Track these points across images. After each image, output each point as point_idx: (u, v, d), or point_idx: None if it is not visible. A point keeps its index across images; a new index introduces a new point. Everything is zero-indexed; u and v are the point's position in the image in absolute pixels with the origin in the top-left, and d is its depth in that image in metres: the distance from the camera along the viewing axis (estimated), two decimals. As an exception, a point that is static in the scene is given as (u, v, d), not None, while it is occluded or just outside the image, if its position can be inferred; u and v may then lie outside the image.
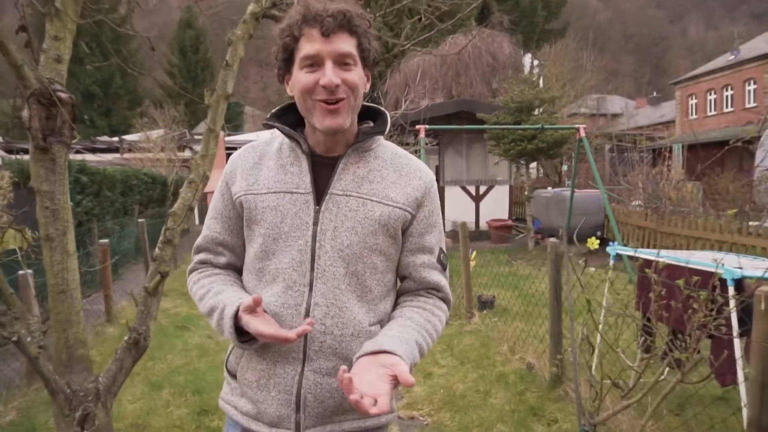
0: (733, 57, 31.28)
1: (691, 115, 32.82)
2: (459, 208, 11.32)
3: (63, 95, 1.71)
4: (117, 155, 21.48)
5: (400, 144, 8.57)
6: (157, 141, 15.86)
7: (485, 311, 5.61)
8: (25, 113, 1.69)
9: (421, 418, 3.36)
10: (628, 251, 3.50)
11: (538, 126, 8.29)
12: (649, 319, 3.15)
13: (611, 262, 3.53)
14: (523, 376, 3.80)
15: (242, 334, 1.12)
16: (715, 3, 79.89)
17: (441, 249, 1.28)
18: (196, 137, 24.76)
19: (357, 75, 1.13)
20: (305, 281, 1.15)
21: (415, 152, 8.62)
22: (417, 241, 1.24)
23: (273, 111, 1.25)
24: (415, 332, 1.16)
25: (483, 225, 11.67)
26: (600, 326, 3.49)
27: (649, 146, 14.05)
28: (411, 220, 1.22)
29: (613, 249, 3.54)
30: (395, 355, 1.05)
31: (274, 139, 1.27)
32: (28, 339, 1.67)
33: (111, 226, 8.66)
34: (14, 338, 1.63)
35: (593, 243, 3.38)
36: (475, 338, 4.78)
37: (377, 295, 1.20)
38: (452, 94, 15.98)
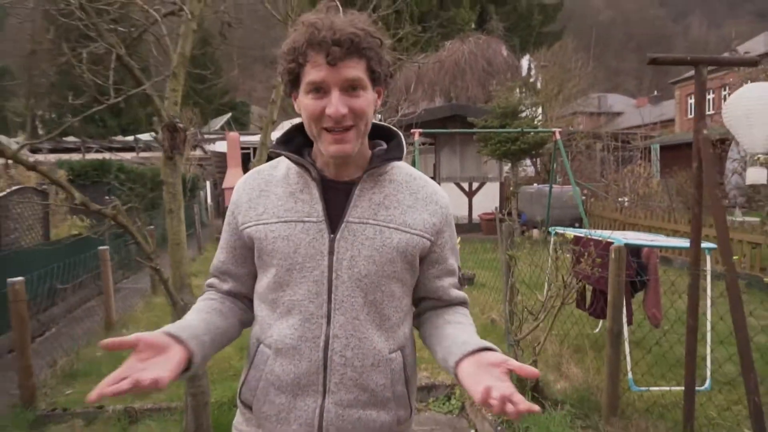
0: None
1: (690, 114, 33.74)
2: (453, 203, 12.18)
3: (180, 125, 2.85)
4: (134, 154, 22.64)
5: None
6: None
7: (466, 286, 6.73)
8: (159, 136, 2.83)
9: (406, 355, 4.49)
10: (562, 230, 4.62)
11: (519, 129, 9.42)
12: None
13: (552, 237, 4.66)
14: (486, 327, 4.93)
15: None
16: (718, 1, 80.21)
17: (459, 267, 1.30)
18: (206, 137, 25.82)
19: (365, 100, 1.08)
20: (322, 313, 1.11)
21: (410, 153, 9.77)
22: (443, 267, 1.23)
23: (278, 137, 1.22)
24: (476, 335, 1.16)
25: (476, 218, 12.79)
26: (547, 286, 4.60)
27: (629, 146, 15.11)
28: (431, 246, 1.19)
29: (552, 229, 4.66)
30: (493, 350, 1.03)
31: (279, 163, 1.23)
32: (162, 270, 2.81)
33: (144, 218, 9.84)
34: (157, 267, 2.77)
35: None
36: (455, 304, 5.91)
37: (395, 322, 1.17)
38: (451, 96, 17.07)
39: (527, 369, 0.94)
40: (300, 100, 1.10)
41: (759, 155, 2.67)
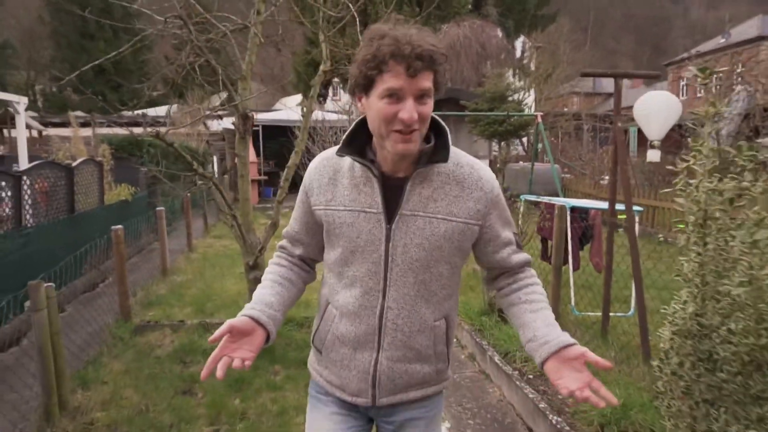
0: (723, 40, 32.96)
1: (682, 96, 34.60)
2: (447, 178, 13.54)
3: (249, 114, 3.99)
4: (141, 129, 23.42)
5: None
6: (184, 117, 17.92)
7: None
8: (234, 121, 3.97)
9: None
10: (529, 197, 5.82)
11: (505, 114, 10.56)
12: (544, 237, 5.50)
13: (522, 204, 5.86)
14: (469, 274, 6.15)
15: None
16: (718, -18, 79.89)
17: (515, 234, 1.43)
18: (207, 113, 26.44)
19: (429, 107, 1.22)
20: (379, 288, 1.32)
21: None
22: (497, 242, 1.38)
23: (344, 138, 1.34)
24: (549, 311, 1.37)
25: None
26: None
27: (608, 128, 16.25)
28: (480, 230, 1.34)
29: (523, 196, 5.86)
30: (572, 344, 1.25)
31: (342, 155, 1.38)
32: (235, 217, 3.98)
33: (168, 189, 10.96)
34: (235, 214, 3.93)
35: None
36: (445, 260, 7.15)
37: (442, 297, 1.36)
38: (446, 78, 18.06)
39: (602, 362, 1.16)
40: (371, 103, 1.23)
41: (654, 141, 3.78)
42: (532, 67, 21.28)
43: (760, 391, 1.56)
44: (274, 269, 1.51)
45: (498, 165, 12.47)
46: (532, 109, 15.28)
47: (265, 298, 1.40)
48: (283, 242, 1.55)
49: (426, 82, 1.19)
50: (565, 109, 22.26)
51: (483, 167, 1.39)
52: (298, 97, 22.12)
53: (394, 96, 1.19)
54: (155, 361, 4.00)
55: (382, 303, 1.33)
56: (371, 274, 1.32)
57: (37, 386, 3.45)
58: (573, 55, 24.85)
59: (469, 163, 1.37)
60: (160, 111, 24.50)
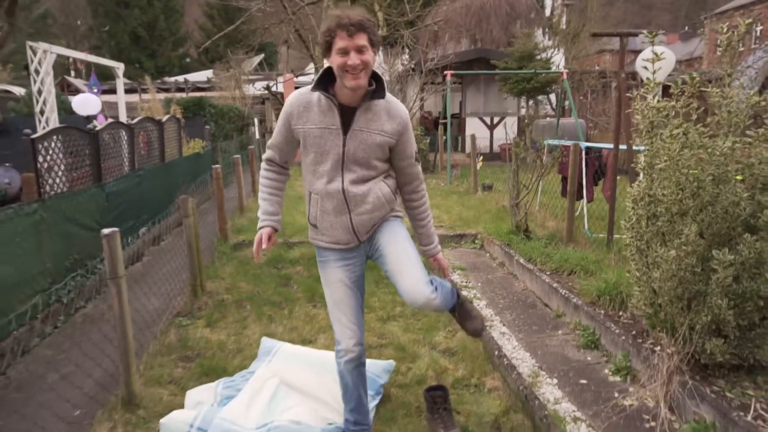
0: (766, -9, 31.99)
1: (720, 50, 33.88)
2: (477, 134, 14.46)
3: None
4: (183, 94, 24.67)
5: (432, 84, 11.50)
6: (230, 81, 18.97)
7: (485, 192, 8.99)
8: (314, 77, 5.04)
9: (443, 226, 6.79)
10: (551, 141, 6.77)
11: (533, 71, 11.31)
12: (563, 177, 6.49)
13: (546, 148, 6.81)
14: (500, 210, 7.21)
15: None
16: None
17: (415, 152, 2.16)
18: (244, 78, 27.49)
19: (369, 56, 1.85)
20: (339, 176, 2.00)
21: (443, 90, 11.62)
22: (404, 153, 2.12)
23: (316, 78, 1.98)
24: (432, 226, 2.32)
25: (496, 148, 14.83)
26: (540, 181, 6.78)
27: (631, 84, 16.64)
28: (396, 143, 2.05)
29: (546, 141, 6.81)
30: (437, 254, 2.34)
31: (314, 91, 1.98)
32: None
33: (224, 146, 12.18)
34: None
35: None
36: (476, 201, 8.20)
37: (375, 175, 2.07)
38: (476, 38, 18.64)
39: (446, 268, 2.39)
40: (332, 58, 1.88)
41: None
42: (563, 25, 21.54)
43: (680, 229, 2.60)
44: (266, 182, 2.23)
45: (526, 120, 13.30)
46: (561, 67, 15.83)
47: (268, 209, 2.18)
48: (268, 153, 2.23)
49: (361, 40, 1.83)
50: (597, 67, 22.55)
51: (403, 107, 2.11)
52: (325, 61, 22.86)
53: (343, 51, 1.84)
54: (255, 267, 5.20)
55: (342, 185, 2.01)
56: (333, 168, 2.00)
57: (167, 286, 4.68)
58: (605, 10, 24.76)
59: (395, 101, 2.07)
60: (199, 76, 25.70)
